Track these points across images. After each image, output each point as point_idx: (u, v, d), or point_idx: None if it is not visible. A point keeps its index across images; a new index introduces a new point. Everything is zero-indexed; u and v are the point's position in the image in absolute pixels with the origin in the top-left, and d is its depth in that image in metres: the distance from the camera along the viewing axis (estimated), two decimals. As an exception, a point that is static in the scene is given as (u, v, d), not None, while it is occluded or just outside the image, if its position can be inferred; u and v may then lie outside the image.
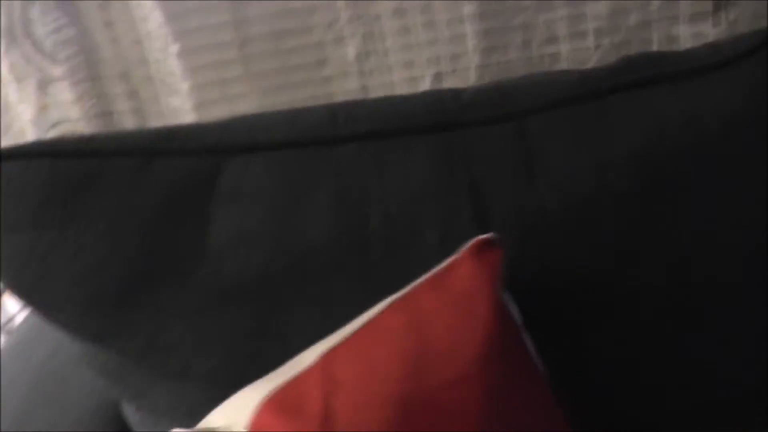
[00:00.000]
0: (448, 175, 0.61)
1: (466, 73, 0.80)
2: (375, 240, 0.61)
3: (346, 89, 0.82)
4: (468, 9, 0.78)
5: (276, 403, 0.53)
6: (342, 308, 0.61)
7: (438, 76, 0.81)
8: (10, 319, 1.09)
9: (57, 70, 0.86)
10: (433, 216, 0.61)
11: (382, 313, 0.55)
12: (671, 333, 0.64)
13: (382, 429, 0.50)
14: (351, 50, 0.80)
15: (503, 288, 0.57)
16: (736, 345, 0.64)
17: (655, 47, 0.81)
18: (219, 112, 0.84)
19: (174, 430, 0.57)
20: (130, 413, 0.71)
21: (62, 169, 0.62)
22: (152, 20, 0.82)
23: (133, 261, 0.62)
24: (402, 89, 0.82)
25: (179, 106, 0.85)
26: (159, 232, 0.62)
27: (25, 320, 0.93)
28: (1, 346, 0.99)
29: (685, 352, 0.64)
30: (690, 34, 0.80)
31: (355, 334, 0.55)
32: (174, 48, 0.82)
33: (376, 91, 0.82)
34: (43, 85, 0.87)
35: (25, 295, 0.65)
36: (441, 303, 0.54)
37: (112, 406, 0.74)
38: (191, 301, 0.62)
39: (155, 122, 0.89)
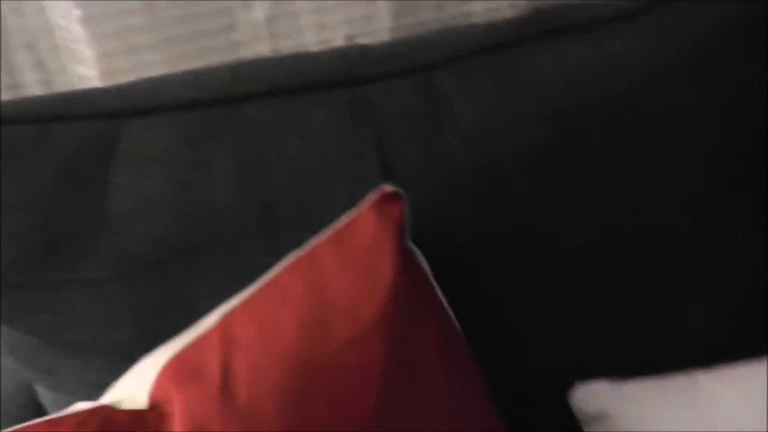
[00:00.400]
0: (354, 131, 0.60)
1: (379, 35, 0.79)
2: (280, 200, 0.59)
3: (257, 53, 0.80)
4: (380, -32, 0.76)
5: (175, 369, 0.51)
6: (250, 273, 0.59)
7: (350, 38, 0.79)
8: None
9: (-42, 44, 0.82)
10: (339, 172, 0.60)
11: (281, 273, 0.54)
12: (590, 285, 0.64)
13: (282, 391, 0.49)
14: (260, 13, 0.78)
15: (409, 241, 0.56)
16: (672, 291, 0.65)
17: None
18: (128, 80, 0.81)
19: (78, 403, 0.55)
20: (44, 394, 0.69)
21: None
22: (53, -15, 0.78)
23: (32, 236, 0.60)
24: (314, 52, 0.80)
25: (87, 74, 0.82)
26: (58, 201, 0.60)
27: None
28: None
29: (616, 303, 0.64)
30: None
31: (254, 295, 0.54)
32: (77, 13, 0.78)
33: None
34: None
35: None
36: (341, 260, 0.53)
37: (26, 389, 0.72)
38: (94, 273, 0.60)
39: (64, 94, 0.86)
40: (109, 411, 0.52)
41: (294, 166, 0.59)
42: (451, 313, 0.57)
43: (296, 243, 0.57)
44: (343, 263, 0.53)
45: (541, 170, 0.62)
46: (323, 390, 0.49)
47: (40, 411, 0.69)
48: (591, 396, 0.61)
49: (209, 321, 0.54)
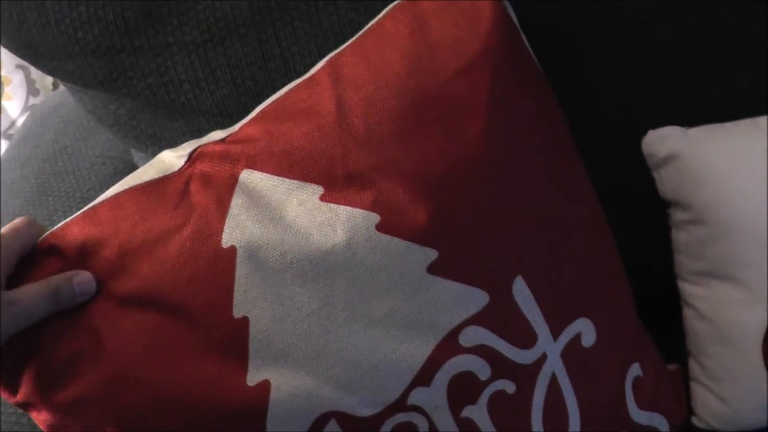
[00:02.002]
0: None
1: None
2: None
3: None
4: None
5: (282, 109, 0.54)
6: (341, 30, 0.63)
7: None
8: (12, 124, 1.10)
9: None
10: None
11: (383, 18, 0.56)
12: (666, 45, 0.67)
13: (398, 118, 0.52)
14: None
15: None
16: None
17: None
18: None
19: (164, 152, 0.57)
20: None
21: None
22: None
23: (132, 1, 0.63)
24: None
25: None
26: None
27: (28, 117, 0.95)
28: (2, 152, 1.01)
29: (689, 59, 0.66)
30: None
31: (359, 38, 0.56)
32: None
33: None
34: None
35: (30, 48, 0.66)
36: (441, 3, 0.55)
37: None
38: (195, 35, 0.63)
39: None
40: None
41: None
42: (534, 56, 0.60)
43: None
44: (443, 5, 0.55)
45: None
46: (435, 118, 0.52)
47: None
48: (661, 140, 0.65)
49: (315, 68, 0.56)
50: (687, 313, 0.67)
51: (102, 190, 0.79)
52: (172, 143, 0.69)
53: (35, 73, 1.07)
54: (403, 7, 0.57)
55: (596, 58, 0.66)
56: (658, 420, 0.64)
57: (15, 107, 1.07)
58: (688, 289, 0.67)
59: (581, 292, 0.57)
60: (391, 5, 0.58)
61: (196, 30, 0.63)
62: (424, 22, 0.55)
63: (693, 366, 0.68)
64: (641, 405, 0.62)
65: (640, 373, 0.62)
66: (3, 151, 0.96)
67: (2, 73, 1.05)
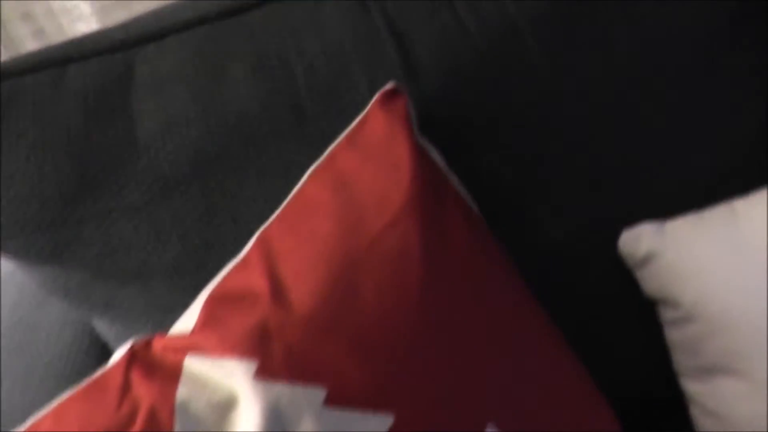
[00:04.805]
0: (365, 20, 0.61)
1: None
2: (305, 97, 0.60)
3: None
4: None
5: (220, 297, 0.52)
6: (286, 172, 0.61)
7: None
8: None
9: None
10: (359, 62, 0.60)
11: (305, 185, 0.55)
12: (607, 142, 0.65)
13: (330, 286, 0.50)
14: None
15: (420, 133, 0.57)
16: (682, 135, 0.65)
17: None
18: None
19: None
20: (105, 331, 0.70)
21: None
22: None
23: (68, 173, 0.61)
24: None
25: (86, 30, 0.83)
26: (87, 137, 0.61)
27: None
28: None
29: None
30: None
31: (283, 210, 0.55)
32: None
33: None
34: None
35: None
36: (360, 159, 0.54)
37: (87, 333, 0.74)
38: (135, 198, 0.61)
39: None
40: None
41: (312, 62, 0.60)
42: (466, 195, 0.58)
43: (328, 137, 0.58)
44: (362, 162, 0.54)
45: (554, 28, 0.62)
46: (369, 278, 0.50)
47: (106, 351, 0.71)
48: (636, 239, 0.62)
49: (246, 247, 0.54)
50: (693, 411, 0.63)
51: (60, 361, 0.75)
52: (129, 307, 0.65)
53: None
54: (324, 168, 0.56)
55: (551, 163, 0.64)
56: None
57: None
58: (691, 386, 0.62)
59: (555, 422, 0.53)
60: (312, 168, 0.56)
61: (136, 192, 0.61)
62: (345, 182, 0.54)
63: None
64: None
65: None
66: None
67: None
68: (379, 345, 0.48)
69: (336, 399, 0.46)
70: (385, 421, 0.47)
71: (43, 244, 0.62)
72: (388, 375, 0.47)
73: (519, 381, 0.52)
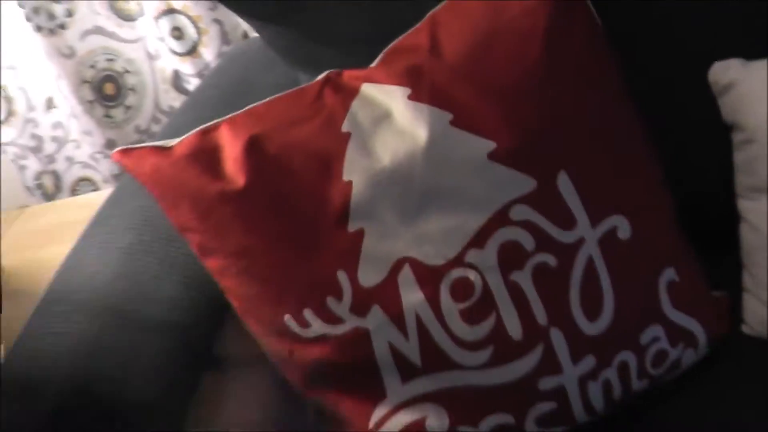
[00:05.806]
0: None
1: None
2: None
3: None
4: None
5: (393, 49, 0.73)
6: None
7: None
8: (206, 66, 1.35)
9: None
10: None
11: None
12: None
13: (473, 47, 0.69)
14: None
15: None
16: None
17: None
18: None
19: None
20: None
21: None
22: None
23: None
24: None
25: None
26: None
27: (219, 62, 1.18)
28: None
29: None
30: None
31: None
32: None
33: None
34: None
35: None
36: None
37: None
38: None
39: None
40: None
41: None
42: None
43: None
44: None
45: None
46: (502, 47, 0.68)
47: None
48: (724, 70, 0.73)
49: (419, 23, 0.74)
50: (742, 227, 0.75)
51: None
52: (328, 67, 0.82)
53: (228, 26, 1.31)
54: None
55: None
56: (694, 325, 0.71)
57: (210, 53, 1.33)
58: (743, 204, 0.74)
59: (619, 194, 0.69)
60: None
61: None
62: None
63: (745, 277, 0.75)
64: (676, 306, 0.70)
65: (676, 278, 0.70)
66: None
67: (201, 26, 1.31)
68: (498, 93, 0.67)
69: (459, 123, 0.66)
70: (490, 145, 0.66)
71: (270, 7, 0.85)
72: (499, 115, 0.66)
73: (599, 152, 0.68)
